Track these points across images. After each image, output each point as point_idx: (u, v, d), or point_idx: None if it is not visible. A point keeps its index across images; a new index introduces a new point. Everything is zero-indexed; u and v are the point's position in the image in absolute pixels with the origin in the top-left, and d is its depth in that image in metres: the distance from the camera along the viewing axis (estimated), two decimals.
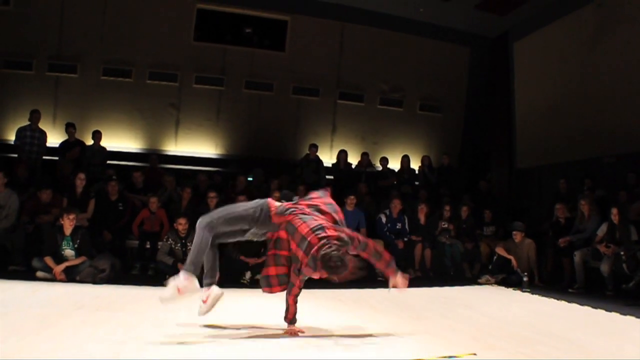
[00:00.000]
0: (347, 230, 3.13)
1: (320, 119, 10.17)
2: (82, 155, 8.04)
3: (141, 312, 3.85)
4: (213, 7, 9.50)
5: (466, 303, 4.97)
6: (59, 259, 5.41)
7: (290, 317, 3.31)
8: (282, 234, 3.20)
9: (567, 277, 6.38)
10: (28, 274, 5.39)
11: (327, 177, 9.19)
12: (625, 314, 4.39)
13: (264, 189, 7.71)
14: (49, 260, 5.34)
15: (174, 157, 9.28)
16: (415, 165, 9.72)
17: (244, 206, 3.32)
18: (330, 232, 2.96)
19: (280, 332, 3.30)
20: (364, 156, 9.44)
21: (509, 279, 6.45)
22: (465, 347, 3.07)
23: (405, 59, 10.41)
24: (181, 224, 5.92)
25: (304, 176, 8.76)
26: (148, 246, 6.44)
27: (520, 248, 6.56)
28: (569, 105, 8.84)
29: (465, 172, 10.31)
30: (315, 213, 3.16)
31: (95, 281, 5.27)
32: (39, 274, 5.32)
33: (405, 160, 9.48)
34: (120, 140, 9.08)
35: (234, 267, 6.00)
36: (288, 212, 3.18)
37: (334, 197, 7.53)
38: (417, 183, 9.42)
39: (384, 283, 6.35)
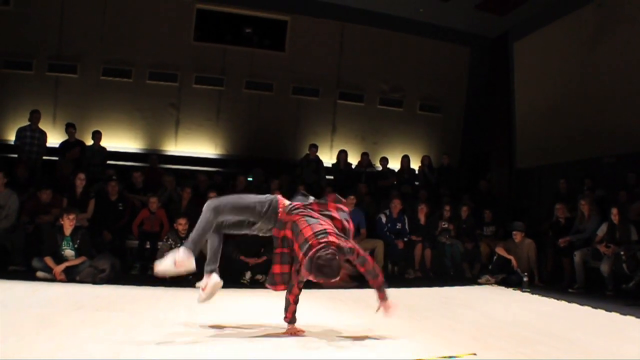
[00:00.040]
0: (352, 242, 3.14)
1: (320, 119, 10.17)
2: (82, 156, 8.04)
3: (141, 312, 3.85)
4: (213, 7, 9.50)
5: (466, 303, 4.97)
6: (59, 259, 5.41)
7: (290, 316, 3.30)
8: (289, 233, 3.21)
9: (567, 277, 6.38)
10: (28, 274, 5.39)
11: (327, 177, 9.20)
12: (625, 314, 4.39)
13: (264, 189, 7.70)
14: (49, 261, 5.34)
15: (174, 157, 9.28)
16: (415, 165, 9.72)
17: (253, 198, 3.33)
18: (332, 239, 2.98)
19: (280, 332, 3.30)
20: (364, 156, 9.45)
21: (509, 279, 6.45)
22: (465, 347, 3.07)
23: (405, 59, 10.41)
24: (181, 224, 5.92)
25: (304, 176, 8.76)
26: (148, 246, 6.44)
27: (520, 248, 6.56)
28: (569, 105, 8.84)
29: (465, 172, 10.32)
30: (323, 217, 3.19)
31: (95, 281, 5.27)
32: (39, 274, 5.32)
33: (405, 160, 9.48)
34: (120, 140, 9.08)
35: (234, 267, 6.00)
36: (296, 211, 3.20)
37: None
38: (417, 183, 9.42)
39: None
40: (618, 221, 5.95)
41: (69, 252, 5.47)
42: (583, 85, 8.56)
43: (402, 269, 7.34)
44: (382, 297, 3.22)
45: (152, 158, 8.71)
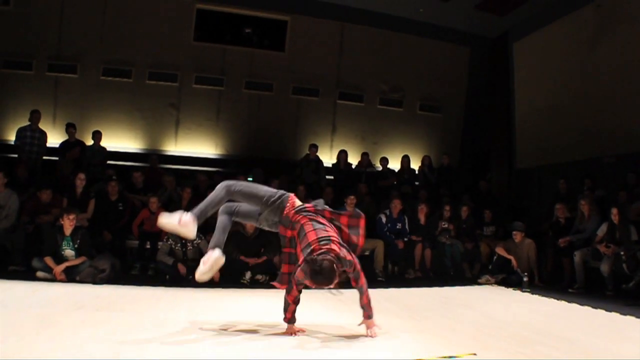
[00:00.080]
0: (353, 256, 3.16)
1: (320, 119, 10.17)
2: (82, 155, 8.04)
3: (141, 312, 3.85)
4: (213, 7, 9.50)
5: (466, 303, 4.97)
6: (59, 259, 5.41)
7: (289, 316, 3.31)
8: (295, 234, 3.24)
9: (567, 277, 6.37)
10: (28, 274, 5.39)
11: (327, 177, 9.20)
12: (625, 314, 4.39)
13: None
14: (49, 261, 5.34)
15: (174, 157, 9.28)
16: (415, 165, 9.72)
17: (266, 188, 3.42)
18: (334, 247, 3.01)
19: (280, 332, 3.30)
20: (364, 156, 9.44)
21: (509, 279, 6.45)
22: (465, 347, 3.07)
23: (405, 59, 10.41)
24: None
25: (304, 176, 8.76)
26: (148, 246, 6.43)
27: (520, 248, 6.56)
28: (568, 105, 8.84)
29: (465, 172, 10.32)
30: (331, 225, 3.21)
31: (95, 281, 5.27)
32: (39, 274, 5.32)
33: (405, 160, 9.48)
34: (120, 140, 9.08)
35: (234, 267, 5.99)
36: (304, 213, 3.24)
37: (335, 198, 7.56)
38: (417, 183, 9.42)
39: (383, 283, 6.40)
40: (618, 221, 5.95)
41: (69, 252, 5.47)
42: (583, 85, 8.56)
43: (402, 269, 7.34)
44: (366, 316, 3.29)
45: (152, 158, 8.71)
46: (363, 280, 3.23)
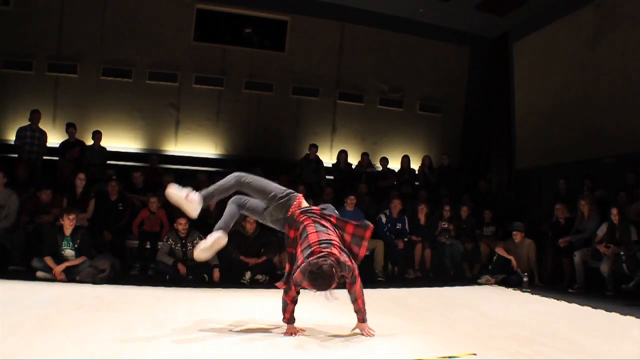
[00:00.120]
0: (353, 262, 3.16)
1: (320, 119, 10.17)
2: (82, 155, 8.04)
3: (141, 312, 3.85)
4: (213, 7, 9.50)
5: (466, 303, 4.97)
6: (59, 259, 5.41)
7: (289, 316, 3.31)
8: (298, 234, 3.24)
9: (567, 277, 6.37)
10: (28, 274, 5.38)
11: (327, 177, 9.20)
12: (625, 314, 4.40)
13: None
14: (48, 260, 5.33)
15: (174, 157, 9.28)
16: (415, 165, 9.73)
17: (274, 184, 3.45)
18: (334, 251, 3.00)
19: (280, 332, 3.30)
20: (364, 156, 9.44)
21: (509, 279, 6.45)
22: (465, 347, 3.07)
23: (405, 59, 10.41)
24: (181, 224, 5.92)
25: (304, 176, 8.76)
26: (148, 246, 6.43)
27: (520, 248, 6.56)
28: (568, 105, 8.84)
29: (465, 172, 10.31)
30: (335, 230, 3.21)
31: (95, 281, 5.27)
32: (39, 274, 5.32)
33: (405, 161, 9.48)
34: (120, 140, 9.08)
35: (234, 267, 6.00)
36: (309, 214, 3.25)
37: (335, 198, 7.58)
38: (417, 183, 9.42)
39: (383, 283, 6.40)
40: (618, 221, 5.95)
41: (69, 252, 5.47)
42: (583, 85, 8.56)
43: (402, 269, 7.34)
44: (361, 319, 3.31)
45: (152, 158, 8.72)
46: (359, 286, 3.24)
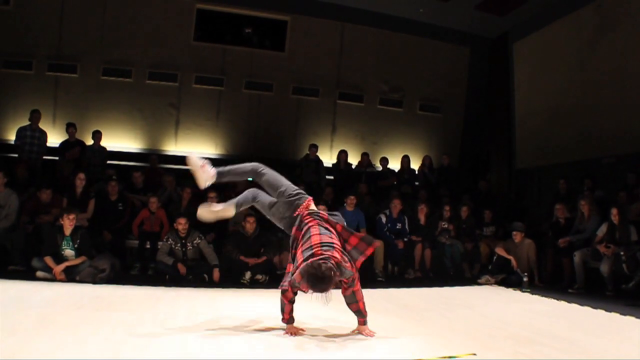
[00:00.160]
0: (354, 267, 3.16)
1: (320, 119, 10.17)
2: (82, 155, 8.04)
3: (141, 312, 3.85)
4: (213, 7, 9.50)
5: (466, 303, 4.97)
6: (59, 259, 5.41)
7: (287, 317, 3.31)
8: (301, 235, 3.23)
9: (567, 278, 6.37)
10: (28, 274, 5.38)
11: (327, 177, 9.20)
12: (625, 314, 4.40)
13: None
14: (48, 260, 5.33)
15: (174, 157, 9.26)
16: (415, 165, 9.73)
17: (288, 181, 3.51)
18: (336, 254, 2.98)
19: (280, 332, 3.30)
20: (364, 156, 9.45)
21: (508, 279, 6.45)
22: (465, 347, 3.07)
23: (405, 59, 10.41)
24: (181, 224, 5.92)
25: (304, 176, 8.76)
26: (148, 246, 6.43)
27: (520, 248, 6.56)
28: (568, 105, 8.85)
29: (465, 172, 10.32)
30: (339, 237, 3.20)
31: (95, 281, 5.26)
32: (39, 274, 5.32)
33: (405, 161, 9.48)
34: (120, 140, 9.09)
35: (234, 267, 6.00)
36: (315, 216, 3.25)
37: (335, 198, 7.58)
38: (417, 183, 9.42)
39: (383, 283, 6.40)
40: (618, 221, 5.95)
41: (68, 252, 5.47)
42: (583, 85, 8.56)
43: (402, 269, 7.34)
44: (362, 322, 3.33)
45: (152, 158, 8.72)
46: (358, 287, 3.24)
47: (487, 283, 6.50)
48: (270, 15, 9.80)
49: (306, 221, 3.25)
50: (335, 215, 3.43)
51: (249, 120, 9.83)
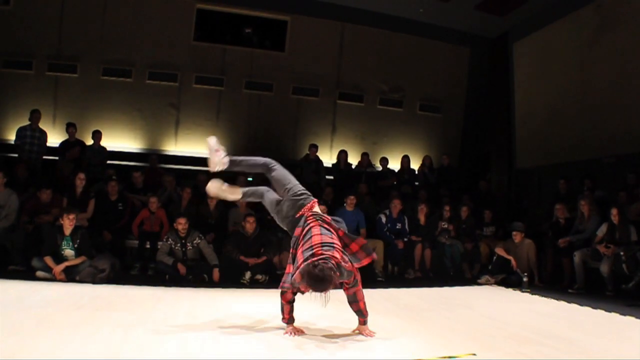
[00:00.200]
0: (354, 267, 3.16)
1: (320, 119, 10.17)
2: (82, 155, 8.04)
3: (141, 312, 3.85)
4: (213, 7, 9.50)
5: (466, 303, 4.97)
6: (59, 259, 5.41)
7: (287, 317, 3.32)
8: (303, 235, 3.23)
9: (567, 278, 6.37)
10: (28, 274, 5.38)
11: (327, 177, 9.20)
12: (625, 314, 4.40)
13: None
14: (48, 260, 5.33)
15: (174, 157, 9.28)
16: (415, 165, 9.73)
17: (296, 180, 3.56)
18: (336, 254, 2.98)
19: (280, 332, 3.30)
20: (364, 156, 9.44)
21: (508, 279, 6.45)
22: (465, 347, 3.08)
23: (405, 59, 10.41)
24: (181, 224, 5.92)
25: (304, 176, 8.74)
26: (148, 246, 6.43)
27: (520, 248, 6.56)
28: (568, 105, 8.85)
29: (465, 172, 10.32)
30: (339, 237, 3.19)
31: (95, 281, 5.26)
32: (39, 273, 5.32)
33: (405, 161, 9.49)
34: (120, 140, 9.09)
35: (234, 267, 6.00)
36: (317, 218, 3.26)
37: (335, 198, 7.60)
38: (417, 183, 9.42)
39: (383, 283, 6.40)
40: (618, 221, 5.95)
41: (68, 252, 5.47)
42: (583, 85, 8.56)
43: (402, 269, 7.34)
44: (362, 322, 3.33)
45: (152, 158, 8.72)
46: (359, 287, 3.24)
47: (487, 283, 6.50)
48: (270, 15, 9.80)
49: (308, 222, 3.25)
50: (339, 221, 3.42)
51: (249, 120, 9.83)
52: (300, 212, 3.36)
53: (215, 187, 3.66)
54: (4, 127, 8.62)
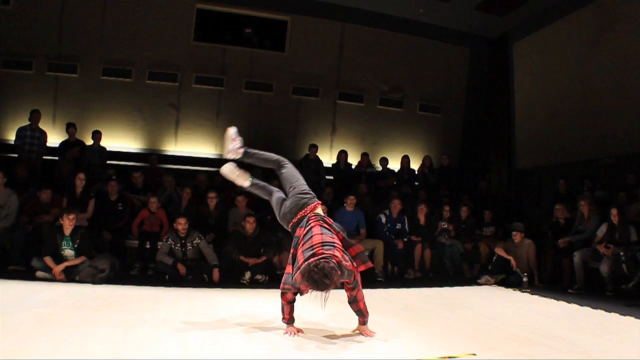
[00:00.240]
0: (355, 266, 3.15)
1: (320, 119, 10.17)
2: (82, 155, 8.04)
3: (141, 312, 3.85)
4: (213, 7, 9.50)
5: (466, 303, 4.97)
6: (59, 259, 5.41)
7: (287, 317, 3.32)
8: (303, 235, 3.23)
9: (567, 278, 6.37)
10: (28, 274, 5.38)
11: (327, 177, 9.20)
12: (625, 314, 4.40)
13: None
14: (48, 260, 5.33)
15: (174, 157, 9.29)
16: (415, 165, 9.73)
17: (303, 181, 3.61)
18: (337, 253, 2.98)
19: (280, 332, 3.30)
20: (364, 156, 9.45)
21: (508, 279, 6.45)
22: (465, 347, 3.08)
23: (405, 59, 10.42)
24: (181, 224, 5.92)
25: (304, 176, 8.70)
26: (148, 246, 6.43)
27: (520, 248, 6.56)
28: (568, 105, 8.85)
29: (465, 172, 10.32)
30: (339, 240, 3.19)
31: (94, 281, 5.26)
32: (39, 274, 5.32)
33: (405, 161, 9.49)
34: (120, 140, 9.09)
35: (234, 267, 6.00)
36: (319, 218, 3.27)
37: (335, 198, 7.58)
38: (416, 183, 9.42)
39: (383, 283, 6.40)
40: (618, 222, 5.95)
41: (68, 252, 5.47)
42: (583, 85, 8.56)
43: (402, 269, 7.33)
44: (362, 322, 3.33)
45: (152, 158, 8.72)
46: (359, 287, 3.24)
47: (487, 283, 6.50)
48: (270, 15, 9.80)
49: (310, 222, 3.25)
50: (338, 226, 3.43)
51: (249, 120, 9.82)
52: (303, 213, 3.37)
53: (228, 169, 3.75)
54: (4, 127, 8.62)
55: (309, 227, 3.20)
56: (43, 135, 7.98)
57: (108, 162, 8.39)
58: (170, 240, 5.97)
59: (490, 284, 6.47)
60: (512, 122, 10.42)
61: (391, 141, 10.45)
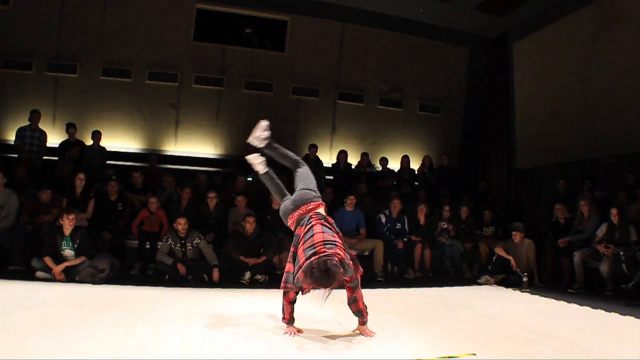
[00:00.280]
0: (356, 264, 3.15)
1: (320, 119, 10.17)
2: (81, 155, 8.04)
3: (141, 312, 3.85)
4: (213, 7, 9.50)
5: (466, 303, 4.97)
6: (59, 259, 5.40)
7: (288, 317, 3.32)
8: (304, 233, 3.23)
9: (567, 278, 6.37)
10: (28, 274, 5.38)
11: (327, 177, 9.19)
12: (624, 314, 4.40)
13: (264, 188, 7.70)
14: (48, 261, 5.33)
15: (174, 157, 9.28)
16: (415, 165, 9.73)
17: (315, 184, 3.62)
18: (339, 251, 2.98)
19: (280, 332, 3.30)
20: (364, 156, 9.45)
21: (508, 279, 6.45)
22: (465, 347, 3.08)
23: (405, 59, 10.42)
24: (180, 224, 5.92)
25: None
26: (147, 246, 6.43)
27: (520, 248, 6.56)
28: (568, 105, 8.85)
29: (465, 172, 10.32)
30: (339, 238, 3.19)
31: (94, 281, 5.26)
32: (39, 274, 5.32)
33: (405, 161, 9.49)
34: (120, 140, 9.08)
35: (234, 267, 6.00)
36: (320, 217, 3.27)
37: (335, 198, 7.58)
38: (416, 183, 9.42)
39: (383, 283, 6.40)
40: (617, 221, 5.95)
41: (68, 252, 5.47)
42: (582, 85, 8.56)
43: (402, 269, 7.33)
44: (362, 322, 3.33)
45: (152, 158, 8.72)
46: (359, 289, 3.24)
47: (486, 283, 6.50)
48: (270, 15, 9.80)
49: (311, 220, 3.25)
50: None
51: (249, 120, 9.71)
52: (305, 208, 3.37)
53: (254, 155, 3.80)
54: (4, 127, 8.62)
55: (310, 225, 3.19)
56: (43, 136, 7.98)
57: (108, 162, 8.39)
58: (170, 240, 5.97)
59: (490, 284, 6.47)
60: (511, 122, 10.42)
61: (391, 141, 10.45)
